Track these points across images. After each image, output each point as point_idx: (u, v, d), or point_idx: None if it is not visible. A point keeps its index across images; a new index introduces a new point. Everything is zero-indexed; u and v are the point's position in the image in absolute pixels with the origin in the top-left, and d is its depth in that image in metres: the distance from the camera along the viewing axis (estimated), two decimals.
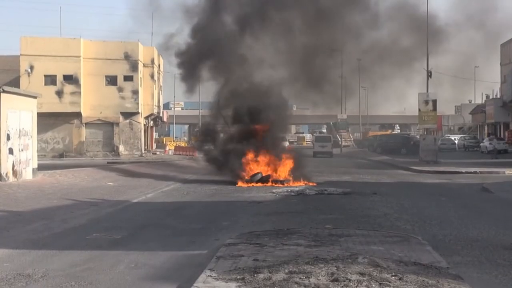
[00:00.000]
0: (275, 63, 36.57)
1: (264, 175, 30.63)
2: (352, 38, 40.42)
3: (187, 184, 31.00)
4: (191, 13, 37.53)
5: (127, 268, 11.18)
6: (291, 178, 30.57)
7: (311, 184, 29.27)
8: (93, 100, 61.64)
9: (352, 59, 54.06)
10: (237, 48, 34.83)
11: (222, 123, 35.85)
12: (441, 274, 9.82)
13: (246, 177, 30.44)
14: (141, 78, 64.57)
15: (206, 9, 36.61)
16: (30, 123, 29.85)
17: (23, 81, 59.18)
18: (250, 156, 31.61)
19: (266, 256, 11.03)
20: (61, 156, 60.44)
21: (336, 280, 9.14)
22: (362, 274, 9.39)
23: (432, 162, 46.43)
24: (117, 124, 63.36)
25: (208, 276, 9.71)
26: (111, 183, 29.59)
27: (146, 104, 66.62)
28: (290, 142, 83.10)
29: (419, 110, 51.46)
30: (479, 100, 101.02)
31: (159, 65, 72.06)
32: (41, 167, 32.62)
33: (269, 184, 29.75)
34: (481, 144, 70.40)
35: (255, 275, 9.52)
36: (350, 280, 9.07)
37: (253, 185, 29.40)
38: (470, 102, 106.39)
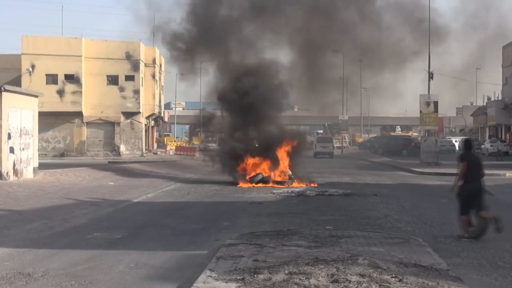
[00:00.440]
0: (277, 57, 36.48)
1: (264, 175, 30.62)
2: (352, 36, 40.38)
3: (188, 184, 31.00)
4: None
5: (127, 268, 11.18)
6: (291, 179, 30.55)
7: (311, 185, 29.26)
8: (94, 100, 61.70)
9: (354, 60, 54.13)
10: (236, 34, 34.83)
11: (220, 113, 35.64)
12: (441, 276, 9.82)
13: (247, 178, 30.43)
14: (142, 78, 64.63)
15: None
16: (31, 122, 29.85)
17: (25, 80, 59.27)
18: (250, 157, 31.60)
19: (266, 257, 11.02)
20: (62, 155, 60.50)
21: (336, 281, 9.13)
22: (362, 275, 9.39)
23: (433, 163, 46.40)
24: (118, 123, 63.42)
25: (208, 276, 9.71)
26: (111, 183, 29.59)
27: (147, 104, 66.67)
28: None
29: (420, 111, 51.43)
30: (480, 102, 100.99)
31: (160, 65, 72.11)
32: (42, 166, 32.62)
33: (270, 184, 29.74)
34: (482, 146, 70.38)
35: (255, 275, 9.52)
36: (350, 282, 9.07)
37: (253, 186, 29.40)
38: (472, 104, 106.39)
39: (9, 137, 27.18)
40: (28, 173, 29.24)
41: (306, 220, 17.19)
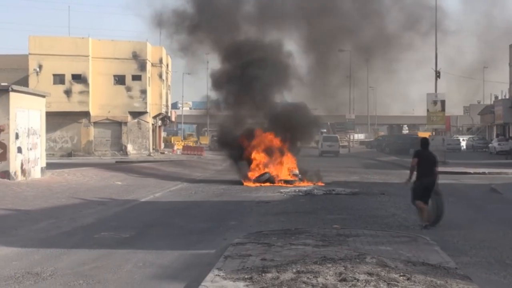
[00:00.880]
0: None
1: (271, 175, 30.61)
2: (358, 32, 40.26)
3: (195, 183, 31.02)
4: None
5: (135, 267, 11.19)
6: (299, 178, 30.55)
7: (319, 184, 29.24)
8: (101, 100, 61.76)
9: (360, 59, 53.98)
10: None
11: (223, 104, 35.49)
12: (450, 274, 9.80)
13: (254, 177, 30.42)
14: (149, 77, 64.66)
15: None
16: (38, 122, 29.91)
17: (32, 80, 59.36)
18: (257, 156, 31.57)
19: (274, 256, 11.02)
20: (69, 155, 60.59)
21: (344, 280, 9.12)
22: (370, 274, 9.37)
23: (440, 162, 46.20)
24: (125, 123, 63.47)
25: (216, 275, 9.71)
26: (119, 182, 29.63)
27: (154, 103, 66.68)
28: None
29: (428, 110, 51.28)
30: (488, 101, 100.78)
31: (167, 65, 72.13)
32: (49, 166, 32.69)
33: (277, 184, 29.74)
34: (490, 145, 70.26)
35: (263, 274, 9.52)
36: (358, 280, 9.06)
37: (261, 185, 29.39)
38: (479, 102, 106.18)
39: (17, 137, 27.24)
40: (35, 173, 29.30)
41: (313, 219, 17.19)
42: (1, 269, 11.00)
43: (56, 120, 56.07)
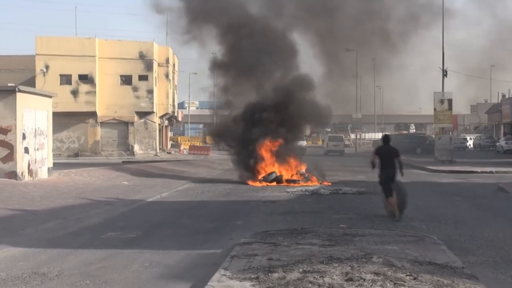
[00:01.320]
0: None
1: (278, 174, 30.60)
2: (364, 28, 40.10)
3: (202, 183, 31.02)
4: None
5: (141, 267, 11.20)
6: (305, 178, 30.53)
7: (325, 183, 29.21)
8: (108, 100, 61.88)
9: (367, 58, 53.94)
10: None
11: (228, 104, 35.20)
12: (456, 274, 9.77)
13: (261, 177, 30.42)
14: (156, 77, 64.74)
15: None
16: (45, 122, 29.98)
17: (39, 80, 59.53)
18: (264, 155, 31.53)
19: (280, 256, 11.02)
20: (76, 155, 60.73)
21: (350, 279, 9.11)
22: (376, 273, 9.36)
23: (448, 161, 46.22)
24: (132, 123, 63.57)
25: (223, 275, 9.71)
26: (125, 182, 29.67)
27: (161, 103, 66.75)
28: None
29: (435, 109, 51.22)
30: (495, 100, 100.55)
31: (174, 65, 72.20)
32: (56, 166, 32.76)
33: (284, 183, 29.73)
34: (497, 143, 70.07)
35: (269, 274, 9.52)
36: (364, 280, 9.04)
37: (267, 185, 29.38)
38: (486, 101, 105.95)
39: (24, 137, 27.31)
40: (42, 173, 29.36)
41: (320, 219, 17.17)
42: (8, 269, 11.02)
43: (63, 120, 56.23)
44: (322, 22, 36.67)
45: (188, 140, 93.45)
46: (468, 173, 36.83)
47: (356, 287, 8.83)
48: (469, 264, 10.89)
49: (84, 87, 61.32)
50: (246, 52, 32.42)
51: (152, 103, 63.59)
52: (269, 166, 31.33)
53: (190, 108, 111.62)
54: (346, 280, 9.09)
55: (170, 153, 71.09)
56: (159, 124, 67.44)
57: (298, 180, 30.13)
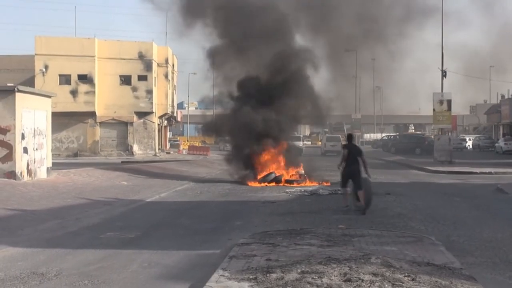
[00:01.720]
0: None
1: (277, 175, 30.61)
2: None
3: (201, 183, 31.03)
4: None
5: (140, 267, 11.21)
6: (304, 178, 30.53)
7: (324, 184, 29.20)
8: (107, 100, 61.89)
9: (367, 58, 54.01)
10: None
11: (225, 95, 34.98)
12: (455, 274, 9.78)
13: (260, 177, 30.42)
14: (155, 77, 64.76)
15: None
16: (44, 122, 29.97)
17: (38, 80, 59.55)
18: (262, 156, 31.54)
19: (279, 256, 11.02)
20: (75, 155, 60.74)
21: (348, 280, 9.11)
22: (375, 274, 9.36)
23: (447, 162, 46.24)
24: (131, 123, 63.59)
25: (221, 275, 9.71)
26: (124, 182, 29.67)
27: (160, 103, 66.78)
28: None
29: (434, 110, 51.25)
30: (494, 100, 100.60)
31: (173, 65, 72.22)
32: (55, 166, 32.75)
33: (283, 184, 29.73)
34: (496, 144, 70.12)
35: (268, 274, 9.52)
36: (363, 281, 9.04)
37: (266, 185, 29.39)
38: (485, 102, 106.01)
39: (23, 137, 27.30)
40: (41, 173, 29.36)
41: (318, 219, 17.18)
42: (6, 269, 11.03)
43: (62, 120, 56.28)
44: (321, 22, 36.67)
45: (187, 140, 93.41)
46: (467, 173, 36.85)
47: (354, 287, 8.84)
48: (468, 265, 10.90)
49: (83, 87, 61.33)
50: (241, 29, 32.31)
51: (151, 103, 63.60)
52: (268, 166, 31.32)
53: (190, 108, 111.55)
54: (344, 281, 9.09)
55: (169, 153, 71.10)
56: (158, 124, 67.45)
57: (297, 181, 30.13)
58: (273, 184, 29.77)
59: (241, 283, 9.21)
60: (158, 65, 66.18)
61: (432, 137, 66.89)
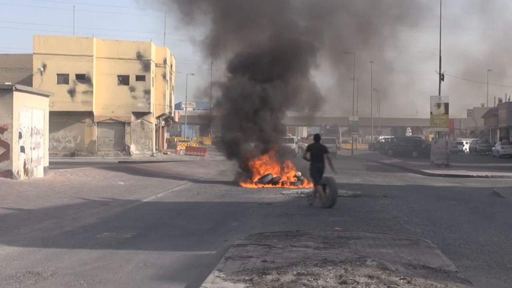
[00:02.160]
0: None
1: (274, 176, 30.61)
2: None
3: (198, 184, 31.03)
4: None
5: (136, 268, 11.21)
6: (301, 180, 30.53)
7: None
8: (105, 100, 61.87)
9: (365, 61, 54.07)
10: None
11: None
12: (450, 277, 9.79)
13: (256, 179, 30.41)
14: (153, 78, 64.75)
15: None
16: (42, 121, 29.97)
17: (36, 79, 59.53)
18: (259, 158, 31.55)
19: (274, 258, 11.03)
20: (72, 155, 60.70)
21: (344, 282, 9.12)
22: (370, 277, 9.37)
23: (443, 165, 46.29)
24: (129, 123, 63.56)
25: (217, 276, 9.72)
26: (121, 183, 29.66)
27: (158, 104, 66.80)
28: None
29: (431, 113, 51.32)
30: (491, 104, 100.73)
31: (171, 65, 72.23)
32: (52, 166, 32.74)
33: (279, 185, 29.74)
34: (493, 148, 70.23)
35: (263, 276, 9.52)
36: (358, 283, 9.05)
37: (263, 187, 29.40)
38: (483, 105, 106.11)
39: (20, 136, 27.29)
40: (38, 173, 29.35)
41: (315, 221, 17.17)
42: (2, 268, 11.02)
43: (59, 119, 56.26)
44: (320, 23, 36.65)
45: (185, 141, 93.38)
46: (463, 177, 36.89)
47: None
48: (463, 268, 10.91)
49: (81, 87, 61.30)
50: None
51: (149, 103, 63.59)
52: (264, 168, 31.33)
53: (187, 109, 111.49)
54: (340, 283, 9.10)
55: (166, 153, 71.09)
56: (155, 125, 67.45)
57: (294, 182, 30.13)
58: (270, 185, 29.77)
59: (236, 284, 9.22)
60: (156, 65, 66.20)
61: (425, 138, 66.95)
